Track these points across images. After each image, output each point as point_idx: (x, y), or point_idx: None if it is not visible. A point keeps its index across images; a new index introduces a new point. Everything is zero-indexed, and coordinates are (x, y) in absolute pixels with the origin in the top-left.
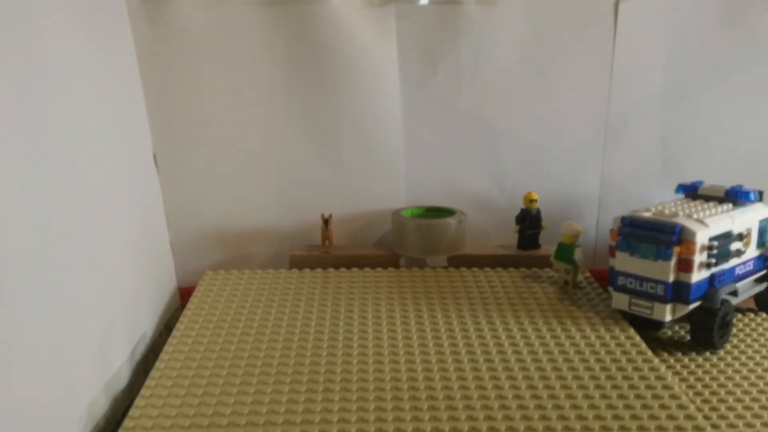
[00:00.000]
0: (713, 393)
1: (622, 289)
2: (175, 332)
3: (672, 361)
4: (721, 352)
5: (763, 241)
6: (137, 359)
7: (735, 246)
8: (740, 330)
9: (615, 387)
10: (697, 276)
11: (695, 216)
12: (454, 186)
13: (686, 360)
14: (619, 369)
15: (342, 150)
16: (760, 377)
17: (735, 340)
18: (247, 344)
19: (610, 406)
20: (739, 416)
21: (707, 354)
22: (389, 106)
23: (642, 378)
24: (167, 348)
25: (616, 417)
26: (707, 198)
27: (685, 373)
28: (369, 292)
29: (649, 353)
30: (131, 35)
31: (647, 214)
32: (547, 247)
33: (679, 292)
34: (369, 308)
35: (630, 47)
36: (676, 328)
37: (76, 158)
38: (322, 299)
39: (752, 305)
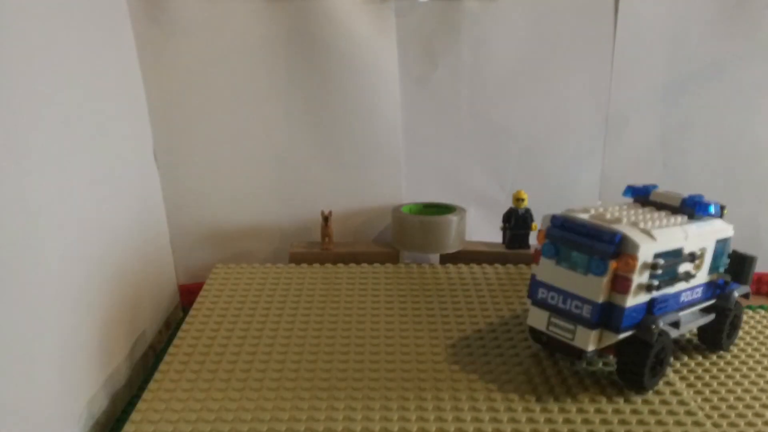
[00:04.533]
0: (714, 391)
1: (542, 304)
2: (180, 333)
3: (672, 358)
4: None
5: (717, 265)
6: (137, 356)
7: (684, 267)
8: (740, 328)
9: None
10: (634, 300)
11: (641, 225)
12: (453, 182)
13: (686, 358)
14: None
15: (342, 147)
16: (760, 375)
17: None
18: (249, 345)
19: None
20: (740, 415)
21: (707, 352)
22: (389, 102)
23: None
24: (171, 350)
25: (616, 411)
26: (659, 206)
27: (684, 371)
28: (374, 289)
29: None
30: (131, 31)
31: (584, 216)
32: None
33: (609, 316)
34: (367, 305)
35: (630, 43)
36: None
37: (76, 155)
38: (321, 295)
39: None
